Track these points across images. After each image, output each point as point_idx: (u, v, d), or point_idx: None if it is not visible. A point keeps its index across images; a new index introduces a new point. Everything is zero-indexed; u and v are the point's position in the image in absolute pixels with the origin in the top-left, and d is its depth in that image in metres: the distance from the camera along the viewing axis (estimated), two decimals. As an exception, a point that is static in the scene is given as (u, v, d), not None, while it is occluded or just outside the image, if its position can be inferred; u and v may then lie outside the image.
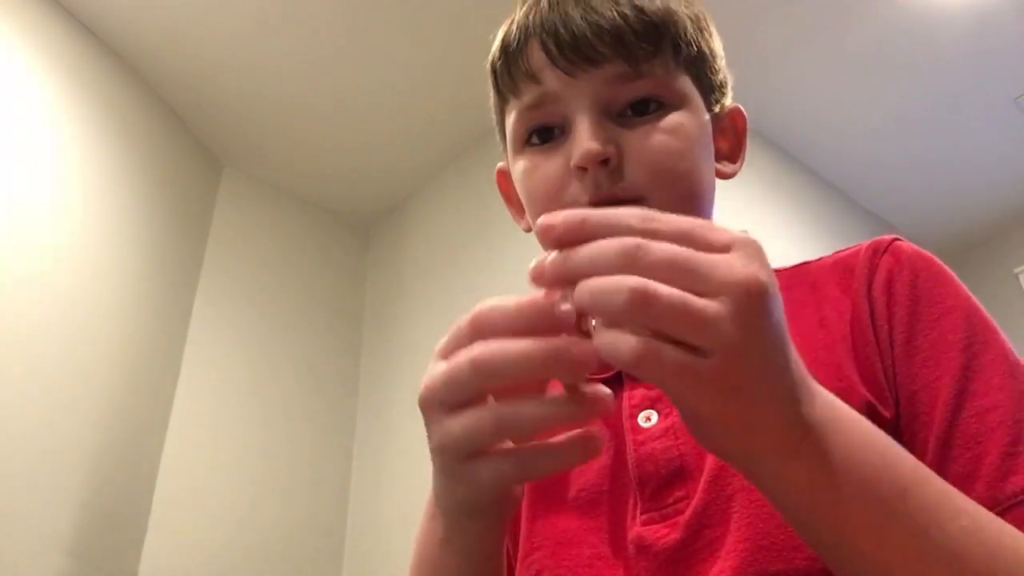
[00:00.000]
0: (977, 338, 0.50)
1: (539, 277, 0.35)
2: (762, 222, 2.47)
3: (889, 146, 2.91)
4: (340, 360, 2.77)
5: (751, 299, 0.32)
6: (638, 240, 0.33)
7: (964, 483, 0.44)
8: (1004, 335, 0.51)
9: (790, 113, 2.75)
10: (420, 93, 2.53)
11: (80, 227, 2.04)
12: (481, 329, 0.36)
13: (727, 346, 0.32)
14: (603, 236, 0.33)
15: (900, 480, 0.37)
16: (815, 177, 2.99)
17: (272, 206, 2.82)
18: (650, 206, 0.53)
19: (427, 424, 0.39)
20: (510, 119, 0.64)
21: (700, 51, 0.62)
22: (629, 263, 0.32)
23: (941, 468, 0.45)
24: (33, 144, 1.97)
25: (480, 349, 0.35)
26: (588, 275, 0.33)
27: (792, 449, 0.36)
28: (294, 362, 2.62)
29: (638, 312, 0.31)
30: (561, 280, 0.34)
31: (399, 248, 2.90)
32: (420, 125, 2.65)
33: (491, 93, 0.67)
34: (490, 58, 0.65)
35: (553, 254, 0.34)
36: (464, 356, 0.36)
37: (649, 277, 0.32)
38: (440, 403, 0.37)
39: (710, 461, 0.52)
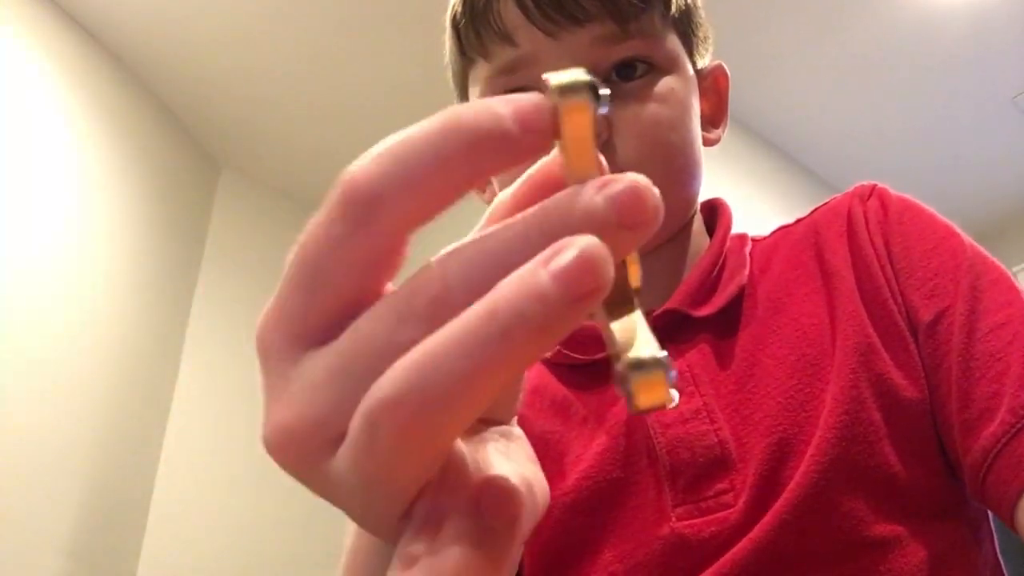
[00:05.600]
0: (976, 261, 0.50)
1: None
2: (760, 222, 2.46)
3: (887, 146, 2.91)
4: (339, 361, 2.77)
5: None
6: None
7: (992, 402, 0.43)
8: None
9: (788, 114, 2.75)
10: (418, 95, 2.53)
11: (78, 229, 2.04)
12: None
13: None
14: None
15: None
16: (812, 176, 2.98)
17: (270, 208, 2.82)
18: None
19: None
20: (476, 83, 0.57)
21: (687, 5, 0.57)
22: None
23: (969, 391, 0.45)
24: (31, 145, 1.97)
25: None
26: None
27: None
28: (293, 363, 2.62)
29: None
30: None
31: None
32: (417, 126, 2.65)
33: (449, 50, 0.60)
34: (451, 12, 0.57)
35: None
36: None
37: None
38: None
39: (759, 449, 0.47)
